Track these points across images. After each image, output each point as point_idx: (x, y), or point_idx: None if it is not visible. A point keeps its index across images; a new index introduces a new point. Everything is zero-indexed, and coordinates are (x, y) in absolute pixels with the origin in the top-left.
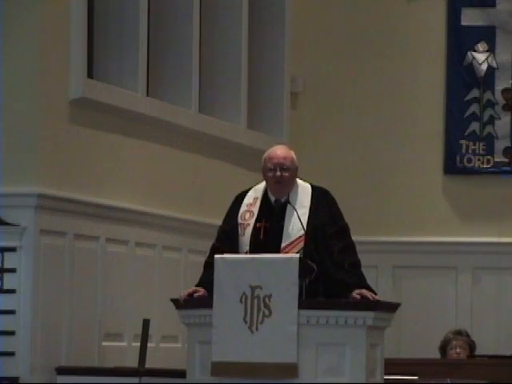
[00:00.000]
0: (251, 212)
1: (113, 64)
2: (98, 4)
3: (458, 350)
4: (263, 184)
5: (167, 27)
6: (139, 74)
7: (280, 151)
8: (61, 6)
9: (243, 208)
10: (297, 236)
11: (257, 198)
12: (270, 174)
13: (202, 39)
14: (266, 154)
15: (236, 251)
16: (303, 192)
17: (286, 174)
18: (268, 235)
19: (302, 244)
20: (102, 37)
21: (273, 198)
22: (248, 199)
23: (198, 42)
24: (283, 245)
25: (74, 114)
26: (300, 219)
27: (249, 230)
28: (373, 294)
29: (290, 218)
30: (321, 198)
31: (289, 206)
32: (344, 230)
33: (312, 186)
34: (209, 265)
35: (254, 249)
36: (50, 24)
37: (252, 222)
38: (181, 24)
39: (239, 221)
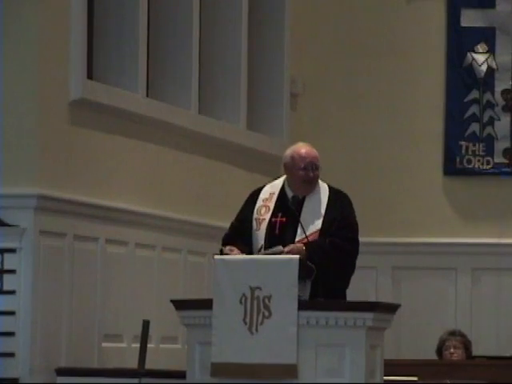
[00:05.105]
0: (267, 207)
1: (112, 65)
2: (98, 4)
3: (451, 351)
4: (281, 180)
5: (167, 28)
6: (139, 74)
7: (309, 150)
8: (61, 7)
9: (259, 203)
10: (311, 231)
11: (273, 194)
12: (302, 173)
13: (201, 39)
14: (292, 153)
15: (248, 246)
16: (321, 190)
17: (317, 173)
18: (283, 230)
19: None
20: (102, 38)
21: (290, 194)
22: (264, 194)
23: (197, 43)
24: (297, 239)
25: (73, 115)
26: (317, 215)
27: (264, 225)
28: (297, 246)
29: (306, 213)
30: (338, 198)
31: (306, 202)
32: (349, 225)
33: (329, 186)
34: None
35: (269, 243)
36: (49, 24)
37: (268, 216)
38: (181, 24)
39: (255, 215)
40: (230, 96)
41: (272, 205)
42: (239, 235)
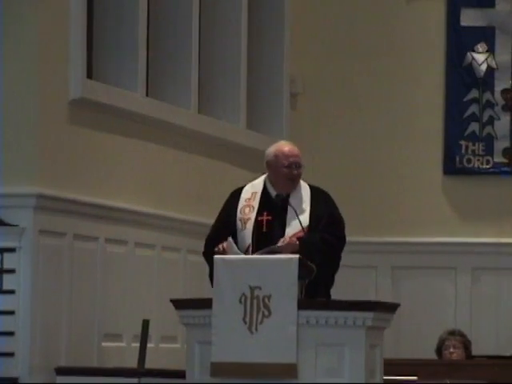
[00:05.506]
0: (251, 206)
1: (112, 64)
2: (98, 4)
3: (451, 350)
4: (261, 178)
5: (167, 27)
6: (138, 74)
7: (292, 148)
8: (60, 7)
9: (242, 203)
10: (300, 228)
11: (255, 193)
12: (286, 171)
13: (201, 40)
14: (276, 151)
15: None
16: (303, 188)
17: (300, 171)
18: (270, 228)
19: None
20: (102, 37)
21: (274, 193)
22: (245, 194)
23: (197, 43)
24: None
25: (73, 114)
26: (303, 213)
27: (250, 224)
28: (293, 240)
29: (292, 211)
30: (320, 195)
31: (291, 199)
32: (337, 222)
33: (308, 184)
34: (209, 255)
35: (257, 241)
36: (49, 24)
37: (253, 215)
38: (180, 24)
39: (239, 215)
40: (229, 96)
41: (256, 204)
42: (223, 236)
